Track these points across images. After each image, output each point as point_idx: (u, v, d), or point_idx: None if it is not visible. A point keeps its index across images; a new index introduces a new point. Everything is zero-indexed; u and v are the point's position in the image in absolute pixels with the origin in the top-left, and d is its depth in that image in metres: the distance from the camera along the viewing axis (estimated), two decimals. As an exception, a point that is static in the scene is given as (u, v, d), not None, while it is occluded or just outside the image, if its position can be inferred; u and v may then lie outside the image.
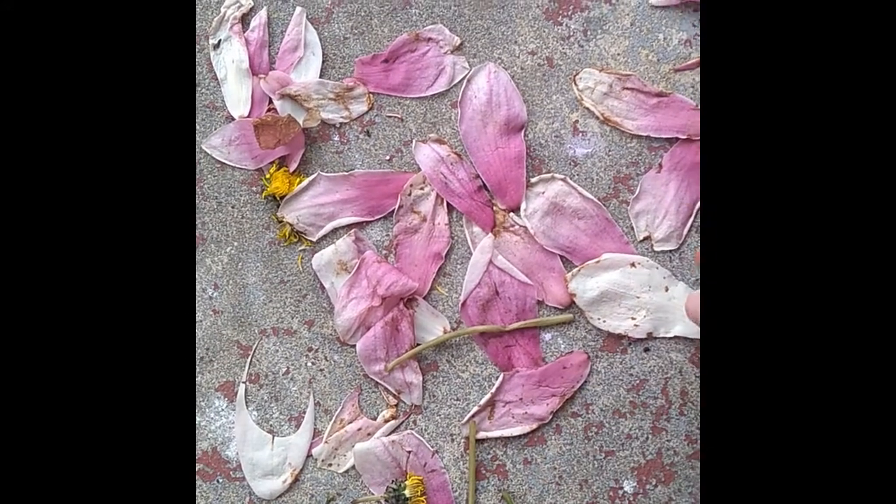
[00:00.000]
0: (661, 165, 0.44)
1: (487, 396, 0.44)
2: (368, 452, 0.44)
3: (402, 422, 0.45)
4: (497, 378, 0.44)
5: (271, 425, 0.46)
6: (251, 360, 0.46)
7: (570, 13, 0.45)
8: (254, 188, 0.46)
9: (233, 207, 0.46)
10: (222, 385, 0.46)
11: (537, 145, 0.45)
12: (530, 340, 0.44)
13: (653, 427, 0.44)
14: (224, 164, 0.47)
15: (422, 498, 0.43)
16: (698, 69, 0.44)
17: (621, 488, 0.44)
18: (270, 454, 0.45)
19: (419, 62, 0.46)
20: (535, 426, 0.44)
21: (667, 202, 0.44)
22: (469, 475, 0.44)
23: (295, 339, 0.46)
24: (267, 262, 0.46)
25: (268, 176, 0.45)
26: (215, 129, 0.47)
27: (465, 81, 0.45)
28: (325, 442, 0.45)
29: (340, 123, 0.46)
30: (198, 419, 0.46)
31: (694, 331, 0.43)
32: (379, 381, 0.45)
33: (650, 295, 0.43)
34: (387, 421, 0.45)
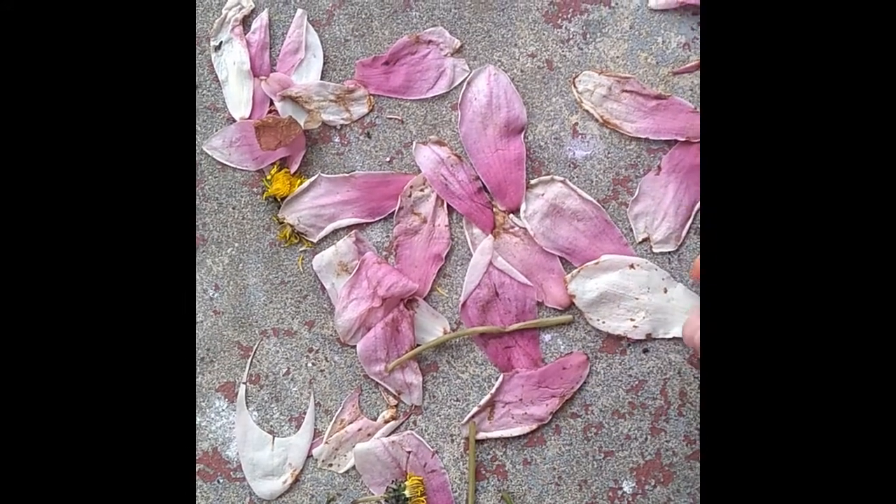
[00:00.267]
0: (659, 167, 0.44)
1: (487, 397, 0.44)
2: (369, 453, 0.44)
3: (403, 422, 0.45)
4: (497, 379, 0.44)
5: (272, 426, 0.46)
6: (252, 361, 0.46)
7: (569, 16, 0.46)
8: (255, 189, 0.47)
9: (234, 209, 0.47)
10: (223, 385, 0.46)
11: (537, 147, 0.45)
12: (530, 341, 0.44)
13: (652, 428, 0.44)
14: (225, 165, 0.47)
15: (422, 498, 0.43)
16: (697, 72, 0.45)
17: (620, 489, 0.44)
18: (271, 454, 0.45)
19: (419, 64, 0.46)
20: (534, 427, 0.44)
21: (665, 204, 0.44)
22: (469, 475, 0.44)
23: (295, 339, 0.46)
24: (268, 263, 0.46)
25: (269, 177, 0.46)
26: (216, 130, 0.47)
27: (465, 84, 0.45)
28: (326, 442, 0.45)
29: (341, 125, 0.46)
30: (198, 419, 0.46)
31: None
32: (379, 381, 0.45)
33: (649, 296, 0.44)
34: (387, 421, 0.45)
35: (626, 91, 0.45)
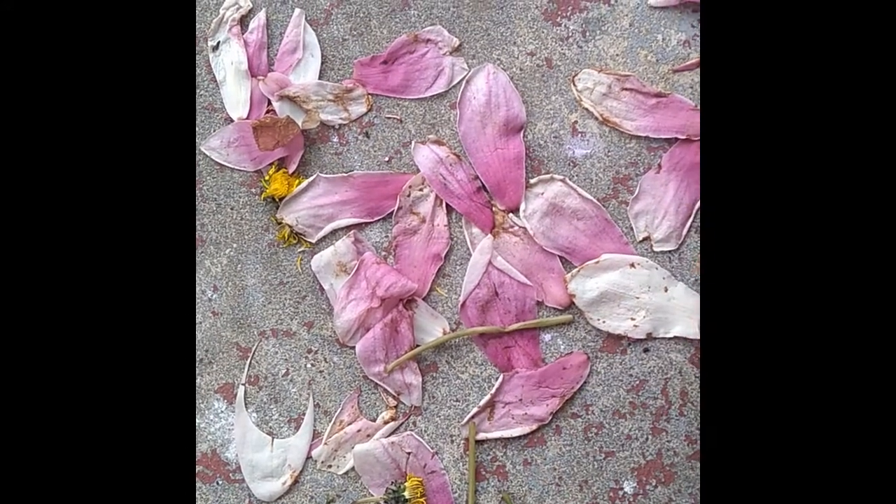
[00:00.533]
0: (660, 166, 0.44)
1: (487, 397, 0.44)
2: (368, 454, 0.44)
3: (402, 423, 0.45)
4: (497, 379, 0.44)
5: (271, 427, 0.45)
6: (250, 362, 0.46)
7: (568, 14, 0.45)
8: (253, 190, 0.46)
9: (232, 209, 0.46)
10: (222, 387, 0.46)
11: (536, 146, 0.45)
12: (530, 341, 0.44)
13: (653, 428, 0.43)
14: (223, 165, 0.47)
15: (422, 499, 0.43)
16: (697, 70, 0.44)
17: (621, 489, 0.43)
18: (270, 456, 0.45)
19: (418, 63, 0.46)
20: (534, 427, 0.44)
21: (666, 202, 0.44)
22: (469, 476, 0.44)
23: (294, 340, 0.46)
24: (266, 263, 0.46)
25: (267, 177, 0.45)
26: (214, 130, 0.47)
27: (463, 82, 0.45)
28: (325, 443, 0.45)
29: (339, 125, 0.46)
30: (197, 421, 0.46)
31: (693, 331, 0.43)
32: (378, 382, 0.45)
33: (650, 295, 0.43)
34: (386, 422, 0.44)
35: (626, 89, 0.44)
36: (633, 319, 0.43)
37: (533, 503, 0.44)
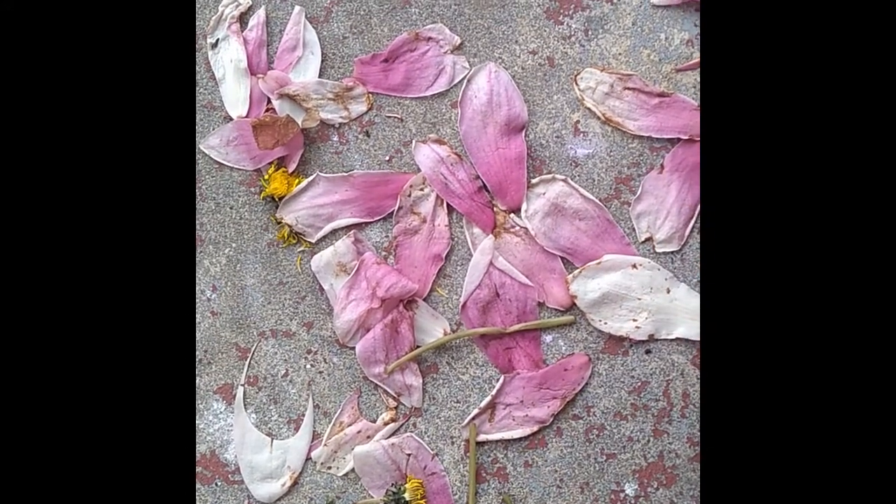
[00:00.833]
0: (662, 166, 0.44)
1: (488, 399, 0.43)
2: (368, 455, 0.44)
3: (402, 424, 0.44)
4: (497, 380, 0.44)
5: (270, 428, 0.45)
6: (250, 363, 0.46)
7: (571, 12, 0.45)
8: (252, 189, 0.46)
9: (231, 208, 0.46)
10: (221, 387, 0.46)
11: (538, 146, 0.45)
12: (531, 342, 0.44)
13: (654, 429, 0.43)
14: (222, 164, 0.46)
15: (422, 501, 0.43)
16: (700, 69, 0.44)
17: (623, 491, 0.43)
18: (269, 457, 0.45)
19: (419, 62, 0.46)
20: (535, 429, 0.43)
21: (668, 203, 0.44)
22: (469, 478, 0.43)
23: (294, 341, 0.45)
24: (266, 263, 0.46)
25: (266, 177, 0.45)
26: (213, 129, 0.46)
27: (465, 81, 0.45)
28: (325, 445, 0.44)
29: (339, 124, 0.46)
30: (196, 422, 0.45)
31: (695, 333, 0.43)
32: (378, 383, 0.44)
33: (652, 297, 0.43)
34: (386, 423, 0.44)
35: (629, 88, 0.44)
36: (634, 321, 0.43)
37: (534, 505, 0.44)
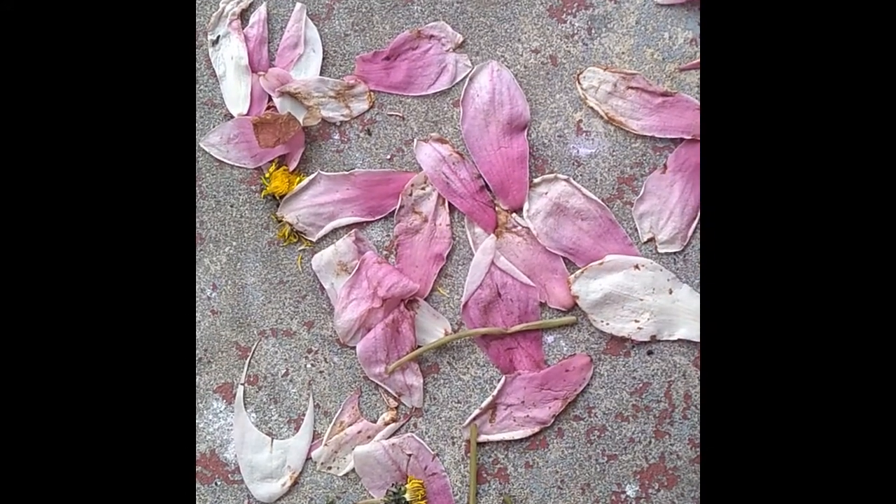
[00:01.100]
0: (665, 166, 0.44)
1: (489, 399, 0.43)
2: (368, 455, 0.43)
3: (403, 424, 0.44)
4: (499, 381, 0.44)
5: (270, 427, 0.45)
6: (250, 362, 0.45)
7: (574, 11, 0.45)
8: (253, 187, 0.46)
9: (231, 206, 0.46)
10: (221, 386, 0.45)
11: (540, 145, 0.44)
12: (532, 343, 0.44)
13: (655, 431, 0.43)
14: (223, 162, 0.46)
15: (422, 501, 0.43)
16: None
17: (624, 492, 0.43)
18: (269, 457, 0.44)
19: (421, 60, 0.45)
20: (536, 429, 0.43)
21: (671, 204, 0.44)
22: (470, 479, 0.43)
23: (294, 340, 0.45)
24: (266, 262, 0.45)
25: (267, 175, 0.45)
26: (214, 126, 0.46)
27: (467, 80, 0.44)
28: (325, 444, 0.44)
29: (341, 122, 0.46)
30: (196, 421, 0.45)
31: (697, 334, 0.43)
32: (379, 383, 0.44)
33: (654, 297, 0.43)
34: (387, 423, 0.44)
35: (632, 88, 0.44)
36: (636, 321, 0.43)
37: (534, 506, 0.44)
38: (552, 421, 0.43)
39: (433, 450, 0.44)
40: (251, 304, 0.45)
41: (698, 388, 0.43)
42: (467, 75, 0.45)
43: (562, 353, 0.44)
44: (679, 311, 0.43)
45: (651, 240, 0.44)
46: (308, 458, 0.45)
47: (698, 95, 0.44)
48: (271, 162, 0.45)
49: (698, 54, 0.44)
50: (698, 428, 0.43)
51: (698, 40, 0.44)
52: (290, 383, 0.45)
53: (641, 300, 0.43)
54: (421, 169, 0.45)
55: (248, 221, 0.46)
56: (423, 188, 0.45)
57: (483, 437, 0.44)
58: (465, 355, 0.44)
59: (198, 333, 0.45)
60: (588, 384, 0.44)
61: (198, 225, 0.46)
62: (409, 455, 0.44)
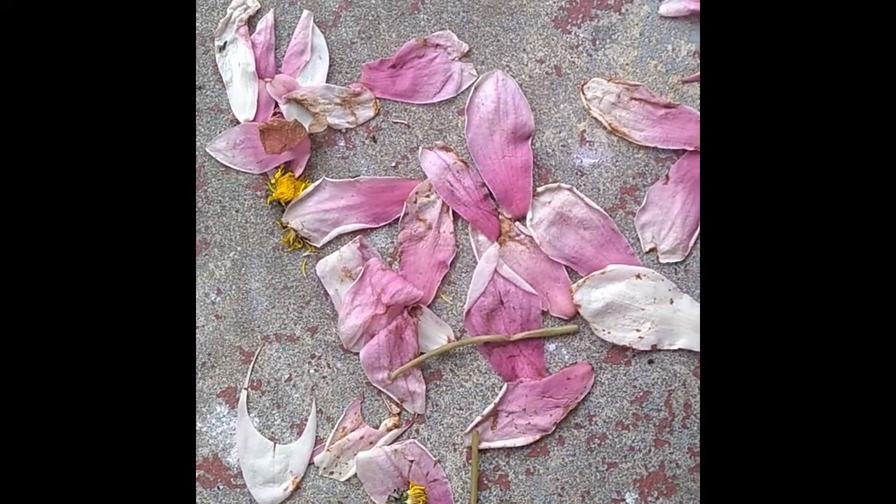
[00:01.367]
0: (667, 177, 0.44)
1: (491, 406, 0.44)
2: (371, 461, 0.44)
3: (405, 430, 0.45)
4: (500, 388, 0.44)
5: (273, 432, 0.45)
6: (253, 367, 0.46)
7: (579, 22, 0.45)
8: (258, 193, 0.46)
9: (237, 212, 0.46)
10: (224, 391, 0.46)
11: (544, 154, 0.45)
12: (534, 351, 0.44)
13: (655, 439, 0.44)
14: (228, 167, 0.46)
15: (423, 507, 0.43)
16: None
17: (623, 500, 0.44)
18: (272, 461, 0.45)
19: (427, 68, 0.46)
20: (537, 437, 0.44)
21: (673, 214, 0.44)
22: (471, 485, 0.44)
23: (298, 345, 0.45)
24: (270, 267, 0.46)
25: (273, 181, 0.45)
26: (220, 132, 0.46)
27: (472, 89, 0.45)
28: (327, 450, 0.44)
29: (346, 129, 0.46)
30: (199, 425, 0.45)
31: (698, 344, 0.43)
32: (382, 389, 0.45)
33: (655, 307, 0.43)
34: (389, 430, 0.44)
35: (635, 99, 0.44)
36: (638, 331, 0.43)
37: (535, 513, 0.44)
38: (553, 428, 0.44)
39: (435, 456, 0.44)
40: (255, 309, 0.46)
41: (698, 398, 0.43)
42: (472, 84, 0.45)
43: (563, 362, 0.44)
44: (679, 321, 0.43)
45: (653, 250, 0.44)
46: (310, 463, 0.45)
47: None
48: (277, 168, 0.45)
49: (701, 67, 0.44)
50: (698, 437, 0.43)
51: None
52: (294, 388, 0.45)
53: (643, 310, 0.43)
54: (425, 177, 0.45)
55: (252, 227, 0.46)
56: (427, 196, 0.45)
57: (484, 444, 0.44)
58: (467, 362, 0.45)
59: (202, 338, 0.46)
60: (589, 392, 0.44)
61: (203, 230, 0.46)
62: (411, 461, 0.44)
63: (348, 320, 0.44)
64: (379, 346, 0.44)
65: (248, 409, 0.45)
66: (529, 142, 0.44)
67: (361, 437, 0.44)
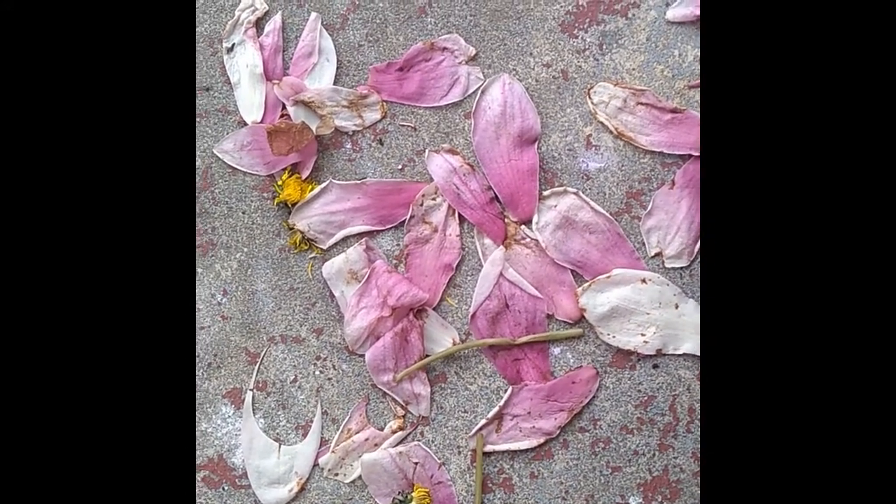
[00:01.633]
0: (673, 182, 0.44)
1: (495, 409, 0.44)
2: (375, 463, 0.44)
3: (410, 433, 0.45)
4: (505, 391, 0.44)
5: (278, 433, 0.45)
6: (259, 368, 0.46)
7: (585, 26, 0.45)
8: (265, 194, 0.46)
9: (243, 213, 0.46)
10: (229, 392, 0.46)
11: (550, 158, 0.45)
12: (539, 354, 0.44)
13: (660, 444, 0.44)
14: (235, 169, 0.46)
15: (428, 510, 0.43)
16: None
17: (627, 504, 0.44)
18: (277, 462, 0.45)
19: (433, 71, 0.46)
20: (542, 440, 0.44)
21: (679, 219, 0.44)
22: (475, 488, 0.44)
23: (303, 347, 0.46)
24: (277, 268, 0.46)
25: (280, 183, 0.45)
26: (227, 133, 0.46)
27: (479, 92, 0.45)
28: (332, 451, 0.44)
29: (353, 131, 0.46)
30: (204, 426, 0.46)
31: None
32: (387, 391, 0.45)
33: (660, 311, 0.43)
34: (394, 432, 0.44)
35: (642, 103, 0.44)
36: (643, 335, 0.43)
37: (538, 516, 0.44)
38: (558, 432, 0.44)
39: (439, 459, 0.44)
40: (261, 311, 0.46)
41: (703, 403, 0.44)
42: (479, 88, 0.45)
43: (568, 365, 0.44)
44: (684, 326, 0.43)
45: (658, 254, 0.44)
46: (315, 465, 0.45)
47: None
48: (284, 170, 0.46)
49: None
50: (702, 441, 0.43)
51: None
52: (299, 390, 0.45)
53: (648, 314, 0.44)
54: (432, 179, 0.45)
55: (259, 228, 0.46)
56: (433, 198, 0.45)
57: (489, 447, 0.44)
58: (472, 365, 0.45)
59: (207, 338, 0.46)
60: (594, 396, 0.44)
61: (210, 231, 0.46)
62: (416, 463, 0.44)
63: (354, 322, 0.44)
64: (384, 348, 0.44)
65: (253, 410, 0.45)
66: (536, 146, 0.45)
67: (366, 439, 0.44)
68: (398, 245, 0.45)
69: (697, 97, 0.44)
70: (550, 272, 0.44)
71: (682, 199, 0.44)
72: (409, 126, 0.46)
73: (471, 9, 0.46)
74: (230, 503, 0.45)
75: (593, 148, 0.45)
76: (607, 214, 0.44)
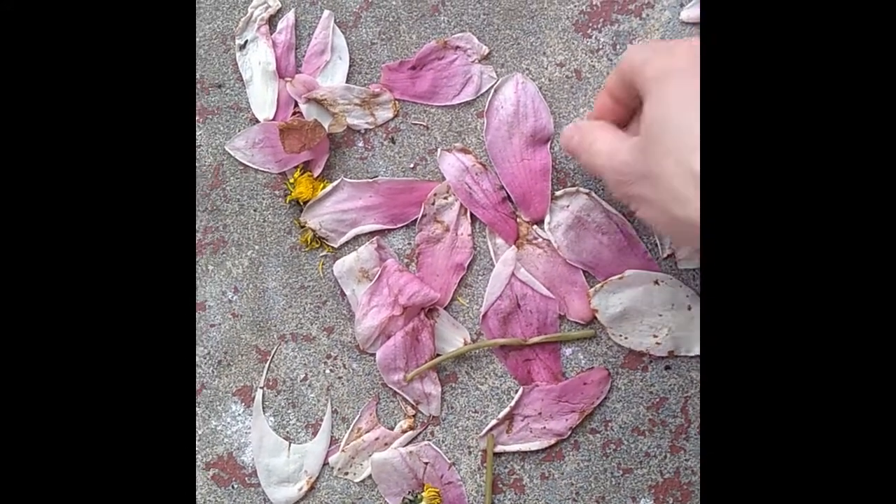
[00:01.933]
0: (687, 183, 0.44)
1: (506, 410, 0.44)
2: (386, 462, 0.44)
3: (420, 432, 0.45)
4: (516, 392, 0.44)
5: (288, 432, 0.45)
6: (269, 366, 0.46)
7: (599, 26, 0.45)
8: (276, 192, 0.46)
9: (255, 210, 0.46)
10: (239, 389, 0.46)
11: (563, 158, 0.45)
12: (551, 355, 0.44)
13: (671, 446, 0.43)
14: (247, 166, 0.46)
15: (438, 510, 0.43)
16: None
17: (638, 506, 0.43)
18: (286, 461, 0.45)
19: (446, 70, 0.46)
20: (553, 441, 0.44)
21: (692, 220, 0.44)
22: (486, 488, 0.44)
23: (314, 345, 0.45)
24: (288, 266, 0.46)
25: (292, 180, 0.45)
26: (239, 130, 0.46)
27: (492, 91, 0.45)
28: (342, 450, 0.44)
29: (365, 129, 0.46)
30: (214, 424, 0.45)
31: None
32: (397, 390, 0.44)
33: (673, 313, 0.43)
34: (404, 431, 0.44)
35: (655, 104, 0.44)
36: (655, 337, 0.43)
37: (549, 517, 0.44)
38: (569, 433, 0.44)
39: (450, 458, 0.44)
40: (272, 308, 0.46)
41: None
42: (492, 87, 0.45)
43: (580, 366, 0.44)
44: (697, 328, 0.43)
45: (671, 255, 0.44)
46: (325, 464, 0.45)
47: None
48: (296, 167, 0.45)
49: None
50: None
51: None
52: (309, 388, 0.45)
53: (660, 316, 0.43)
54: (444, 178, 0.45)
55: (270, 226, 0.46)
56: (445, 197, 0.45)
57: (499, 448, 0.44)
58: (483, 365, 0.45)
59: (218, 336, 0.46)
60: (605, 398, 0.44)
61: (221, 228, 0.46)
62: (426, 463, 0.44)
63: (365, 321, 0.44)
64: (395, 347, 0.44)
65: (263, 408, 0.45)
66: (548, 145, 0.44)
67: (376, 439, 0.44)
68: (409, 244, 0.45)
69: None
70: (562, 272, 0.44)
71: (695, 201, 0.44)
72: (421, 125, 0.46)
73: (484, 7, 0.45)
74: (239, 501, 0.45)
75: (606, 148, 0.45)
76: (620, 215, 0.44)
